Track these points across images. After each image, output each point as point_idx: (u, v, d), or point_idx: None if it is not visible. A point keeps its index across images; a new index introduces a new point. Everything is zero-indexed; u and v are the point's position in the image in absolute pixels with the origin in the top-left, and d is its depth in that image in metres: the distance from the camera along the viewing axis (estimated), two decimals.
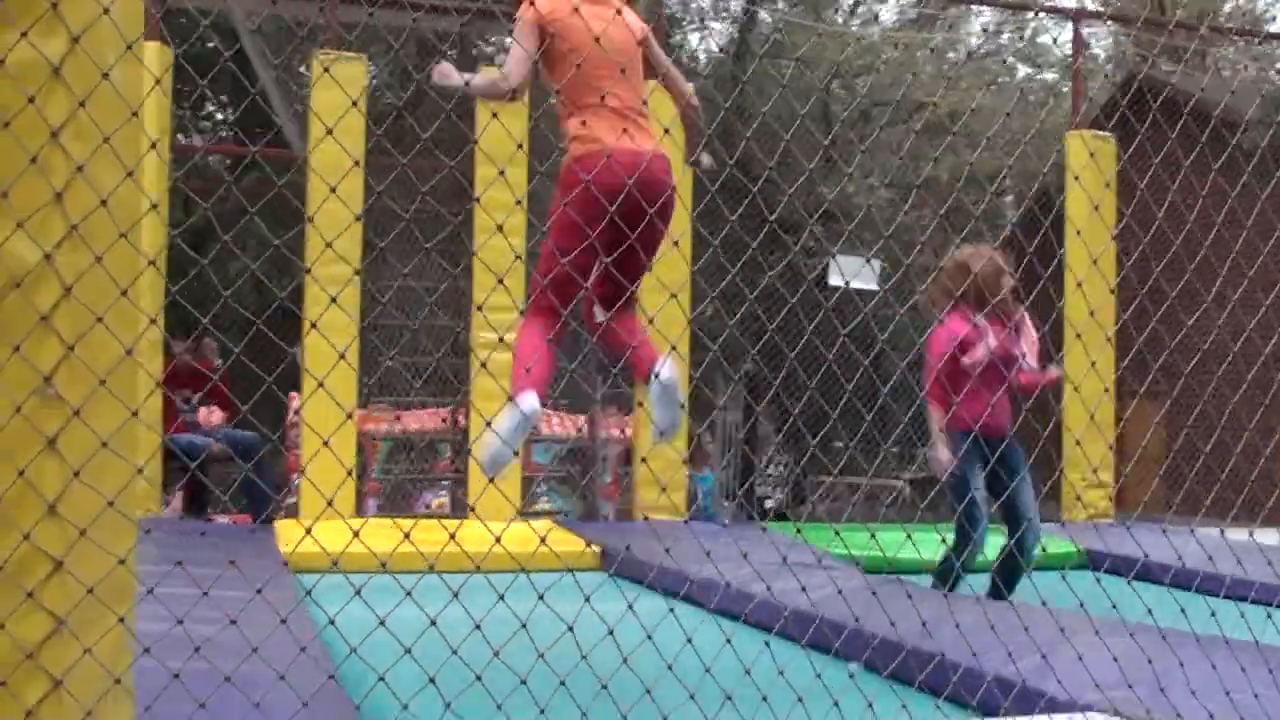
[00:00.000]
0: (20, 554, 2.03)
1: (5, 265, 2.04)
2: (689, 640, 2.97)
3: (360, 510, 10.23)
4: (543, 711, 2.86)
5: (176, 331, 8.65)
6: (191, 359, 8.35)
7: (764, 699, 3.05)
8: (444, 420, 11.81)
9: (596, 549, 6.89)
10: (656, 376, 4.17)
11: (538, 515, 10.96)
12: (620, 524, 9.48)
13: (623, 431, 11.39)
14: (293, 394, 11.29)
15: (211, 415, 8.13)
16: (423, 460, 11.98)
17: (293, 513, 9.33)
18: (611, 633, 3.09)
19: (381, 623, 2.91)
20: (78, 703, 2.04)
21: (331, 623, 2.98)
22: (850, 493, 12.26)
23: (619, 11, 4.30)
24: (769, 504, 11.83)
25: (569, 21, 4.11)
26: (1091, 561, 7.12)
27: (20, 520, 2.03)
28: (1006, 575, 5.37)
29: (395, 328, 10.75)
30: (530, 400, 4.09)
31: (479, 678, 2.85)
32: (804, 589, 3.95)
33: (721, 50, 16.78)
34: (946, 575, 5.38)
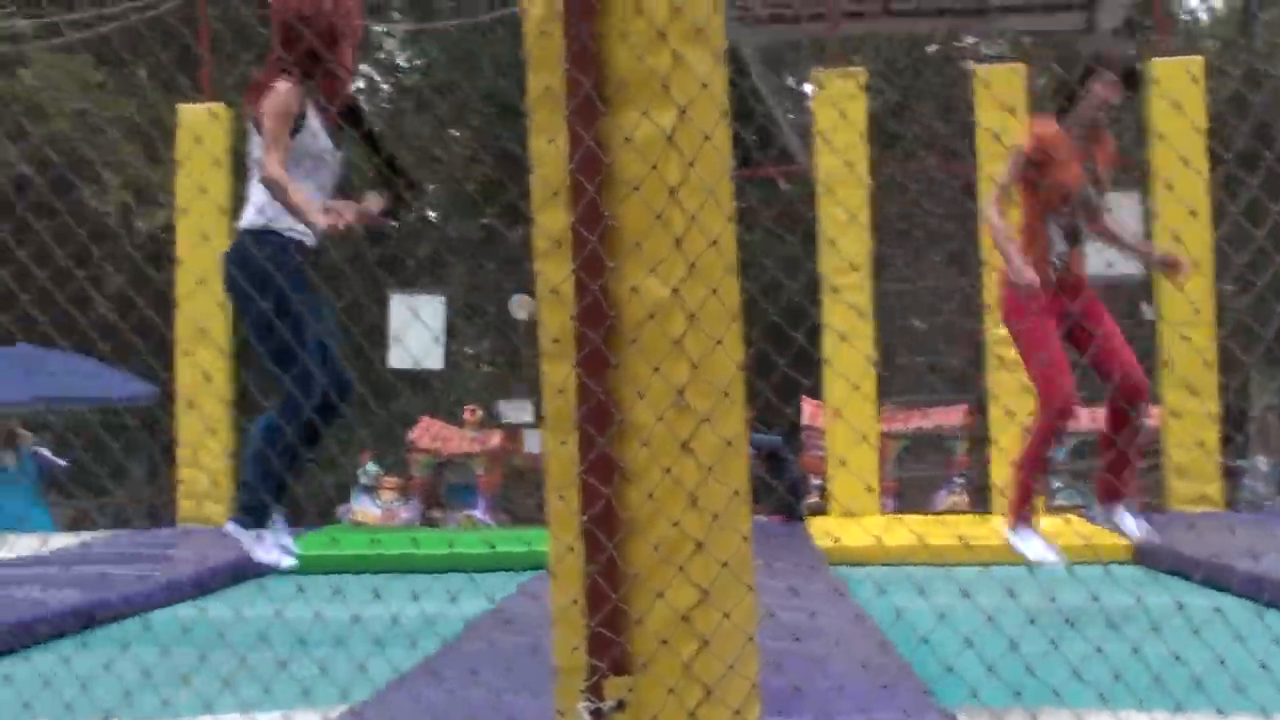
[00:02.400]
0: (670, 537, 2.49)
1: (643, 302, 2.51)
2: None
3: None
4: (1102, 698, 3.01)
5: None
6: None
7: None
8: (951, 417, 11.95)
9: (1126, 542, 6.82)
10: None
11: (1055, 512, 10.83)
12: (1145, 517, 9.19)
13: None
14: (803, 397, 11.87)
15: None
16: (937, 458, 12.17)
17: (813, 510, 9.83)
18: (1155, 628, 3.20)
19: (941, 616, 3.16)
20: (722, 658, 2.47)
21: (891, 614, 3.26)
22: None
23: None
24: None
25: None
26: None
27: (668, 509, 2.49)
28: None
29: (906, 329, 11.03)
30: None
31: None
32: None
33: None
34: None
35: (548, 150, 2.58)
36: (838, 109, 7.66)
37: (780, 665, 3.28)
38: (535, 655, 3.05)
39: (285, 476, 4.11)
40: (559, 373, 2.56)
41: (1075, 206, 4.42)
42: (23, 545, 4.97)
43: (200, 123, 8.53)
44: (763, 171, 9.89)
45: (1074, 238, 4.43)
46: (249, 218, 4.26)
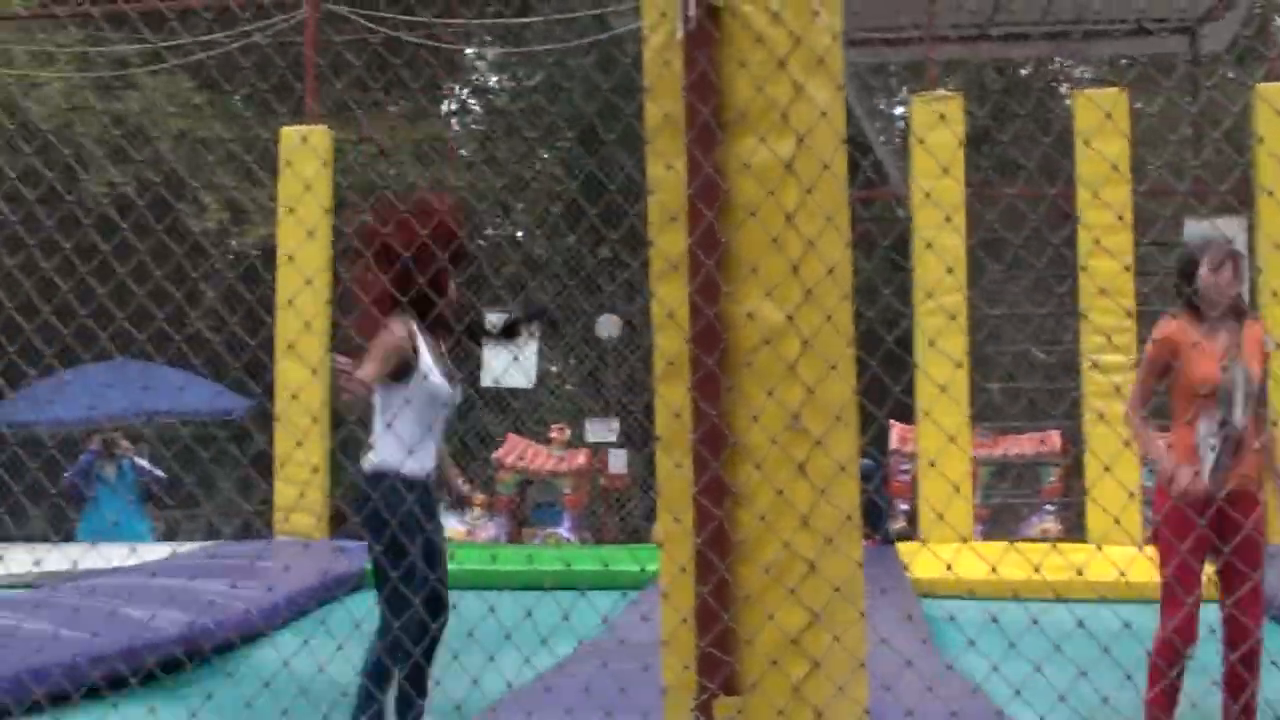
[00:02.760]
0: (781, 558, 2.51)
1: (758, 326, 2.55)
2: None
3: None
4: None
5: None
6: None
7: None
8: (1042, 444, 11.78)
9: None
10: None
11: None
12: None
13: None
14: (891, 421, 11.79)
15: None
16: (1027, 484, 12.00)
17: (901, 535, 9.75)
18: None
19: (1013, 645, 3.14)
20: (832, 681, 2.49)
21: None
22: None
23: None
24: None
25: None
26: None
27: (779, 529, 2.51)
28: None
29: (1001, 354, 10.94)
30: None
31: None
32: None
33: None
34: None
35: (666, 176, 2.63)
36: (936, 132, 7.64)
37: (891, 689, 3.27)
38: (645, 673, 3.09)
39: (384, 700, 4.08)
40: (674, 395, 2.60)
41: (1225, 406, 3.97)
42: (124, 554, 5.12)
43: (325, 146, 8.71)
44: (877, 194, 9.84)
45: (1234, 446, 3.97)
46: (378, 460, 4.28)
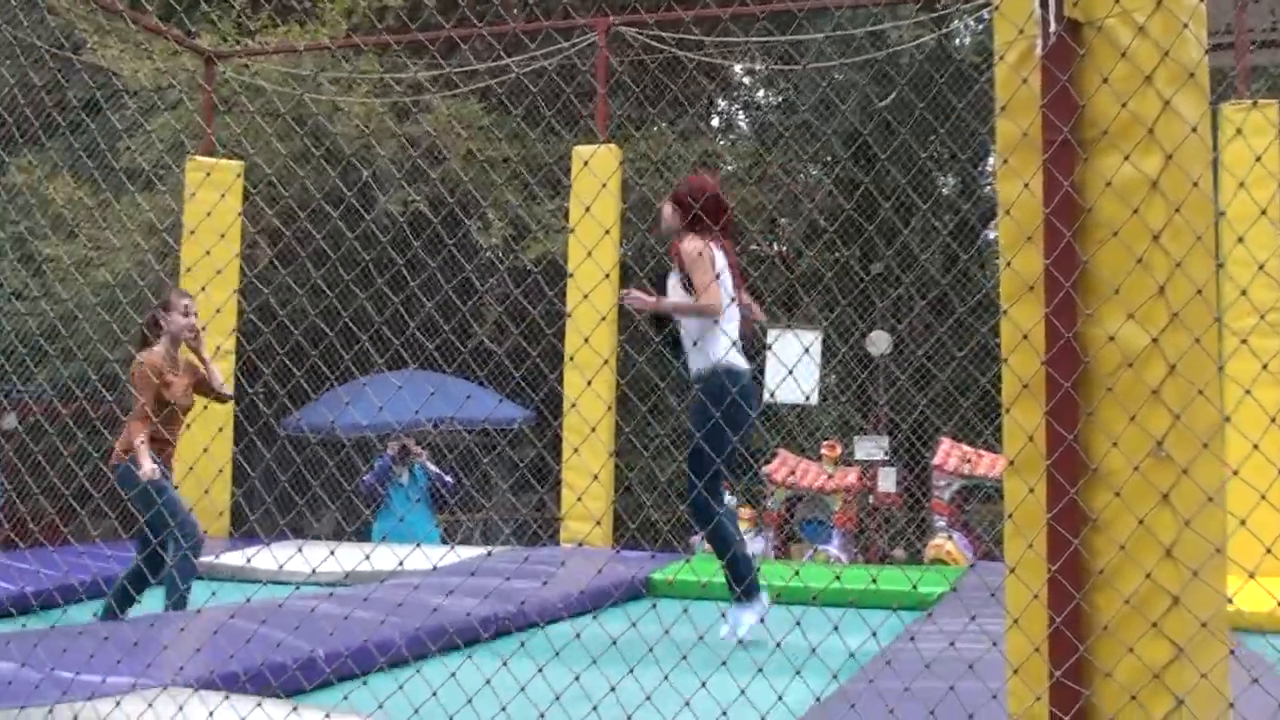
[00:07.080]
0: (1143, 589, 2.42)
1: (1119, 348, 2.47)
2: None
3: None
4: None
5: None
6: None
7: None
8: None
9: None
10: None
11: None
12: None
13: None
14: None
15: None
16: None
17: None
18: None
19: None
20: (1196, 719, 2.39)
21: None
22: None
23: None
24: None
25: None
26: None
27: (1141, 560, 2.43)
28: None
29: None
30: None
31: None
32: None
33: None
34: None
35: (1020, 195, 2.59)
36: (1250, 143, 7.24)
37: None
38: (908, 693, 3.05)
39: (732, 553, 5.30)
40: (1027, 418, 2.55)
41: None
42: (426, 555, 5.40)
43: (612, 165, 8.94)
44: None
45: None
46: (725, 357, 5.32)
